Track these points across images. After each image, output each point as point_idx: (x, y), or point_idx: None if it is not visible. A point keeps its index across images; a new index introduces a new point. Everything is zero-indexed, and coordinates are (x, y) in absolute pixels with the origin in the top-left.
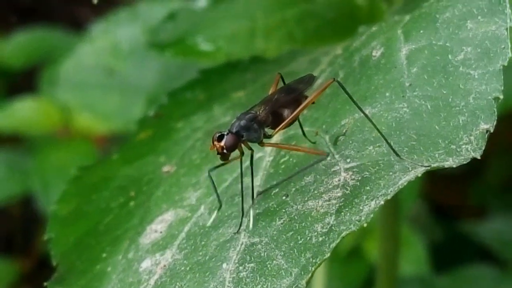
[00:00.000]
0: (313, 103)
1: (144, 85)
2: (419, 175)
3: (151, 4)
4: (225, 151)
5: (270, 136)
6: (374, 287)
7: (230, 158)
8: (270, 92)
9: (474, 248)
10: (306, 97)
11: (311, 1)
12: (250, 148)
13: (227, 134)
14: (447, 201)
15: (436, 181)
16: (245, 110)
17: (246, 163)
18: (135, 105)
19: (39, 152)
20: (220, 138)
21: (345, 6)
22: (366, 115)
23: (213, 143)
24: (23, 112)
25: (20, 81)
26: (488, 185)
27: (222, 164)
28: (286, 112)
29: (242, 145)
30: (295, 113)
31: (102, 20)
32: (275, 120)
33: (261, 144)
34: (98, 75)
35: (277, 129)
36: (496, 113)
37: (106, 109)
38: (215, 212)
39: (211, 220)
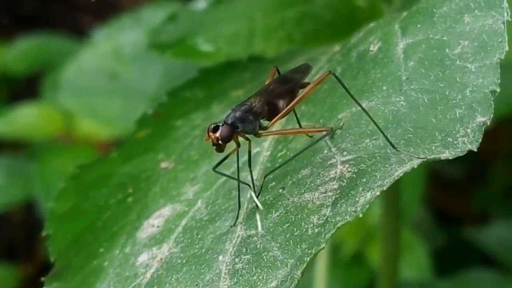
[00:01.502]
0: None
1: (147, 90)
2: (415, 166)
3: (153, 9)
4: (220, 142)
5: (266, 128)
6: None
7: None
8: (266, 83)
9: (476, 255)
10: (302, 87)
11: (310, 2)
12: (247, 139)
13: (222, 125)
14: (450, 207)
15: (439, 187)
16: (240, 102)
17: (244, 158)
18: (138, 110)
19: (41, 158)
20: (215, 130)
21: (345, 8)
22: (361, 106)
23: (208, 134)
24: (25, 118)
25: (23, 88)
26: (491, 191)
27: (223, 160)
28: (281, 103)
29: (239, 136)
30: (291, 104)
31: (104, 26)
32: (271, 111)
33: (257, 135)
34: (101, 80)
35: (273, 120)
36: (493, 106)
37: (108, 114)
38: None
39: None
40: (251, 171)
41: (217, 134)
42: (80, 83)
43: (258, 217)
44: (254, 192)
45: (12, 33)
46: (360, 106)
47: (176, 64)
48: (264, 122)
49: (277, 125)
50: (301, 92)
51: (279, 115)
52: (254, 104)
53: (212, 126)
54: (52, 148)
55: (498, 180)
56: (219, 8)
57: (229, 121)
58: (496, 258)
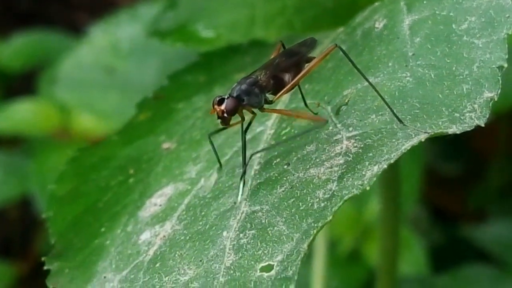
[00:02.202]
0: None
1: (144, 84)
2: (423, 140)
3: (150, 5)
4: (225, 115)
5: (271, 102)
6: None
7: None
8: (272, 57)
9: (473, 252)
10: (308, 60)
11: None
12: (253, 113)
13: (228, 98)
14: (447, 204)
15: (435, 184)
16: (248, 72)
17: (249, 136)
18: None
19: (37, 154)
20: (220, 102)
21: None
22: (367, 80)
23: (213, 107)
24: (22, 114)
25: (19, 84)
26: (488, 189)
27: (223, 129)
28: (287, 76)
29: (244, 110)
30: (297, 78)
31: (101, 22)
32: (277, 85)
33: (262, 109)
34: (98, 74)
35: (278, 95)
36: (500, 81)
37: (105, 108)
38: (215, 173)
39: (212, 182)
40: (243, 143)
41: (222, 107)
42: (77, 77)
43: (241, 185)
44: (244, 167)
45: (8, 31)
46: (366, 79)
47: (174, 58)
48: (270, 96)
49: (281, 103)
50: (307, 66)
51: (285, 89)
52: (259, 78)
53: (218, 99)
54: (48, 144)
55: (494, 177)
56: None
57: (235, 94)
58: (492, 256)
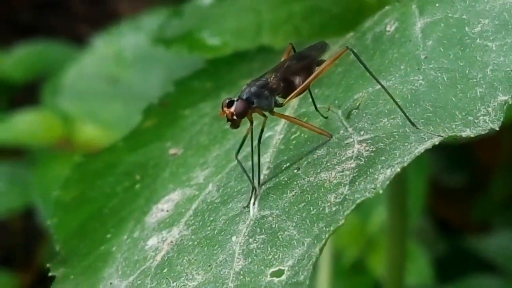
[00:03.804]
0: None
1: (148, 94)
2: (436, 143)
3: (153, 15)
4: (235, 117)
5: (281, 105)
6: None
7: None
8: (282, 60)
9: (477, 264)
10: (319, 64)
11: None
12: (264, 115)
13: (237, 100)
14: (451, 216)
15: (439, 196)
16: (256, 77)
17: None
18: (139, 114)
19: (40, 165)
20: (230, 104)
21: (353, 1)
22: (379, 82)
23: (222, 109)
24: (24, 125)
25: (22, 95)
26: (492, 200)
27: (242, 144)
28: (297, 79)
29: (254, 112)
30: (307, 81)
31: (103, 33)
32: (287, 87)
33: (272, 113)
34: (101, 84)
35: (288, 97)
36: None
37: (109, 118)
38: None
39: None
40: (258, 150)
41: (232, 109)
42: (80, 87)
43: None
44: (252, 175)
45: (10, 41)
46: (378, 81)
47: (178, 68)
48: (280, 99)
49: (289, 107)
50: (318, 69)
51: (295, 92)
52: (270, 80)
53: (227, 101)
54: (51, 154)
55: (498, 189)
56: (225, 2)
57: (244, 96)
58: (496, 267)
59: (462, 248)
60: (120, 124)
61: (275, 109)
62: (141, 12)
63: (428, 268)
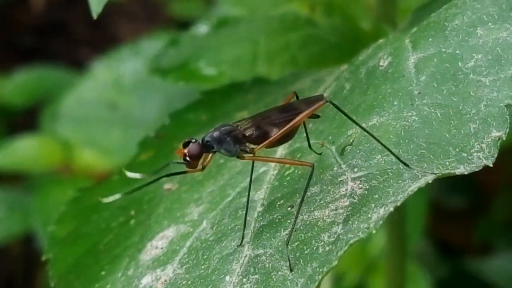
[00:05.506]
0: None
1: (147, 119)
2: (430, 181)
3: (152, 40)
4: (187, 158)
5: (251, 152)
6: None
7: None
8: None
9: (479, 285)
10: (312, 117)
11: (314, 25)
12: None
13: (194, 142)
14: (452, 238)
15: (440, 218)
16: (230, 122)
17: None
18: (138, 140)
19: (40, 190)
20: (185, 145)
21: (349, 30)
22: (362, 128)
23: (179, 147)
24: (24, 150)
25: (21, 120)
26: (493, 222)
27: (182, 172)
28: (274, 130)
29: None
30: (279, 132)
31: (103, 57)
32: (260, 136)
33: (240, 157)
34: (100, 110)
35: (259, 146)
36: (508, 120)
37: (108, 144)
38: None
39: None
40: (248, 194)
41: (185, 150)
42: (79, 113)
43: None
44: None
45: (10, 66)
46: (361, 127)
47: (176, 94)
48: (253, 146)
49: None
50: (292, 122)
51: (265, 142)
52: (240, 127)
53: (186, 140)
54: (51, 180)
55: (500, 211)
56: (221, 32)
57: (205, 139)
58: None
59: (464, 270)
60: (119, 149)
61: (246, 155)
62: (141, 36)
63: None
